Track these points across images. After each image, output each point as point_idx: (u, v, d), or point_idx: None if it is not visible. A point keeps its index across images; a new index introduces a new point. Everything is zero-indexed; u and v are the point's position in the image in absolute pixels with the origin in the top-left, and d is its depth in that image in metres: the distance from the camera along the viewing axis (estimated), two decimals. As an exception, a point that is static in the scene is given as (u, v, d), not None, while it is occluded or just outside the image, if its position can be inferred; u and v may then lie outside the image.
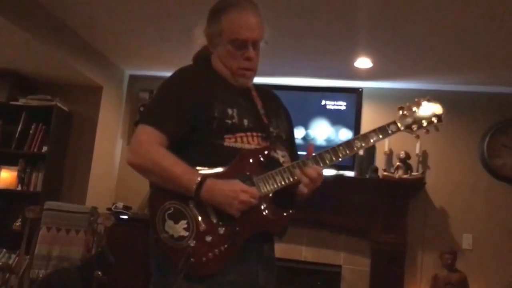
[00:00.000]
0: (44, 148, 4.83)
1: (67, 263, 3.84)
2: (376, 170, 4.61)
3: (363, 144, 1.71)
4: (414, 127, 1.75)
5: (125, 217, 4.76)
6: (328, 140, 4.89)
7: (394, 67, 4.56)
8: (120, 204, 4.90)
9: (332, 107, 4.96)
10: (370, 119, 4.93)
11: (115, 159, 5.39)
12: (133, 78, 5.53)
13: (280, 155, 1.75)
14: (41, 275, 3.79)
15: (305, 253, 4.73)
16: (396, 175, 4.57)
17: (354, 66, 4.56)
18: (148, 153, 1.62)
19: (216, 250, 1.58)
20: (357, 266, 4.63)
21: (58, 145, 4.94)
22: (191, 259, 1.57)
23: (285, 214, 1.64)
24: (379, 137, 1.72)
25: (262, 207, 1.61)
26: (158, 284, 1.64)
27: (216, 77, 1.77)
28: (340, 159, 1.70)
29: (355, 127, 4.87)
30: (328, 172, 4.62)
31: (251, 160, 1.64)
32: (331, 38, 4.09)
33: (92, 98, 5.10)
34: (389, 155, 4.77)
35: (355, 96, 4.95)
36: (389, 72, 4.68)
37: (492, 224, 4.62)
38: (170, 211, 1.60)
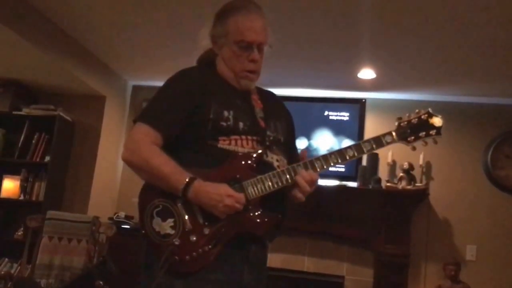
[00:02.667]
0: (47, 158, 4.88)
1: (68, 272, 3.84)
2: (379, 180, 4.62)
3: (355, 154, 1.72)
4: (411, 138, 1.75)
5: (127, 226, 4.79)
6: (330, 151, 4.87)
7: (398, 78, 4.59)
8: (122, 214, 4.92)
9: (335, 118, 4.99)
10: (373, 130, 4.93)
11: (118, 169, 5.43)
12: (136, 88, 5.59)
13: (275, 159, 1.77)
14: (42, 285, 3.80)
15: (307, 263, 4.72)
16: (400, 186, 4.58)
17: (358, 77, 4.59)
18: (140, 151, 1.66)
19: (200, 250, 1.62)
20: (360, 277, 4.63)
21: (60, 154, 4.99)
22: (175, 257, 1.61)
23: (266, 219, 1.66)
24: (373, 147, 1.73)
25: (249, 211, 1.64)
26: (144, 277, 1.69)
27: (217, 79, 1.81)
28: (331, 167, 1.73)
29: (358, 137, 4.86)
30: (331, 182, 4.66)
31: (242, 164, 1.67)
32: (334, 48, 4.13)
33: (95, 108, 5.15)
34: (392, 165, 4.78)
35: (358, 107, 4.98)
36: (393, 83, 4.71)
37: (496, 236, 4.64)
38: (158, 209, 1.64)
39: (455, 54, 3.99)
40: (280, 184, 1.67)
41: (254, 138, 1.74)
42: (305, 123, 4.90)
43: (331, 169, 5.01)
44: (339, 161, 1.72)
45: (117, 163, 5.41)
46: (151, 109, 1.76)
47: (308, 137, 4.95)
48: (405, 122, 1.75)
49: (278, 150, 1.80)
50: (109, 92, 5.20)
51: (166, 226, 1.63)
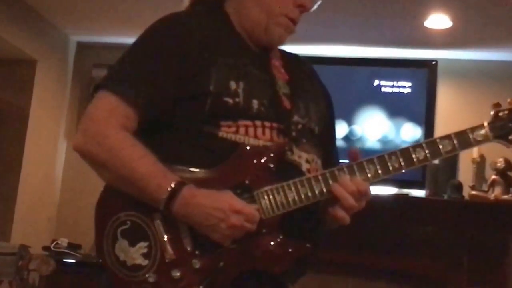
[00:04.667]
0: None
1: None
2: (459, 187, 4.62)
3: (428, 155, 1.71)
4: None
5: (72, 260, 4.81)
6: (383, 141, 4.94)
7: (486, 27, 4.57)
8: (63, 241, 4.96)
9: (391, 90, 5.00)
10: (448, 107, 4.96)
11: (56, 171, 5.45)
12: (82, 47, 5.62)
13: (304, 158, 1.79)
14: None
15: (350, 314, 4.72)
16: (491, 195, 4.56)
17: (425, 27, 4.59)
18: (104, 137, 1.66)
19: None
20: (429, 334, 4.62)
21: (-32, 150, 4.96)
22: None
23: (289, 250, 1.67)
24: (455, 147, 1.72)
25: (262, 236, 1.65)
26: None
27: (225, 30, 1.83)
28: (390, 175, 1.72)
29: (426, 120, 4.91)
30: (385, 190, 4.66)
31: (254, 163, 1.68)
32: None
33: (20, 78, 5.15)
34: (480, 163, 4.76)
35: (425, 73, 4.98)
36: (478, 35, 4.70)
37: None
38: (125, 226, 1.65)
39: None
40: (310, 197, 1.68)
41: (275, 125, 1.75)
42: (345, 98, 4.88)
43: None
44: (403, 166, 1.71)
45: (55, 162, 5.42)
46: (121, 72, 1.76)
47: (349, 120, 4.98)
48: (506, 112, 1.75)
49: (309, 146, 1.83)
50: (42, 53, 5.20)
51: (135, 254, 1.63)
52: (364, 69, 5.06)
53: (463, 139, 1.72)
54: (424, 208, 4.66)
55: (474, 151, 4.70)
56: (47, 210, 5.35)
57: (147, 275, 1.62)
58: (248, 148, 1.69)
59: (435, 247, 4.56)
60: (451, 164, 4.74)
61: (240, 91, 1.71)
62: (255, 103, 1.73)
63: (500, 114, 1.74)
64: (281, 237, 1.66)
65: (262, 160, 1.68)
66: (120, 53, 1.78)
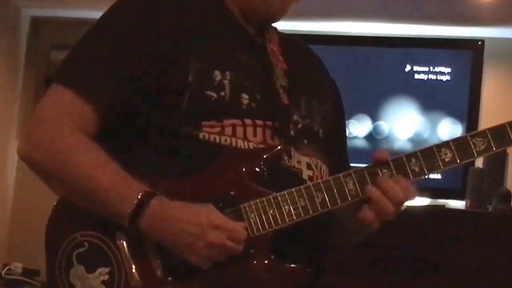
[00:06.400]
0: None
1: None
2: (507, 196, 4.73)
3: (456, 158, 1.78)
4: None
5: None
6: (415, 141, 5.14)
7: None
8: (17, 266, 5.18)
9: (426, 77, 5.17)
10: (496, 98, 5.19)
11: (7, 180, 5.66)
12: (38, 23, 5.82)
13: (305, 164, 1.90)
14: None
15: None
16: None
17: None
18: (53, 141, 1.75)
19: None
20: None
21: None
22: None
23: (283, 277, 1.76)
24: (490, 145, 1.78)
25: (250, 257, 1.74)
26: None
27: (211, 5, 1.94)
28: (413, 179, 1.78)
29: (469, 114, 5.08)
30: (417, 200, 4.85)
31: (242, 170, 1.77)
32: None
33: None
34: None
35: (469, 56, 5.15)
36: None
37: None
38: (82, 249, 1.76)
39: None
40: (310, 210, 1.76)
41: (268, 123, 1.85)
42: (369, 87, 5.06)
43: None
44: (425, 169, 1.78)
45: (6, 168, 5.63)
46: (78, 61, 1.85)
47: (374, 115, 5.13)
48: None
49: (311, 149, 1.94)
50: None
51: (94, 282, 1.74)
52: (393, 51, 5.18)
53: (500, 134, 1.78)
54: (465, 222, 4.77)
55: (526, 152, 4.87)
56: (-4, 228, 5.47)
57: None
58: (235, 152, 1.78)
59: (478, 268, 4.62)
60: (497, 167, 4.83)
61: (226, 82, 1.80)
62: (245, 97, 1.81)
63: None
64: (272, 258, 1.75)
65: (252, 167, 1.77)
66: (81, 31, 1.87)
